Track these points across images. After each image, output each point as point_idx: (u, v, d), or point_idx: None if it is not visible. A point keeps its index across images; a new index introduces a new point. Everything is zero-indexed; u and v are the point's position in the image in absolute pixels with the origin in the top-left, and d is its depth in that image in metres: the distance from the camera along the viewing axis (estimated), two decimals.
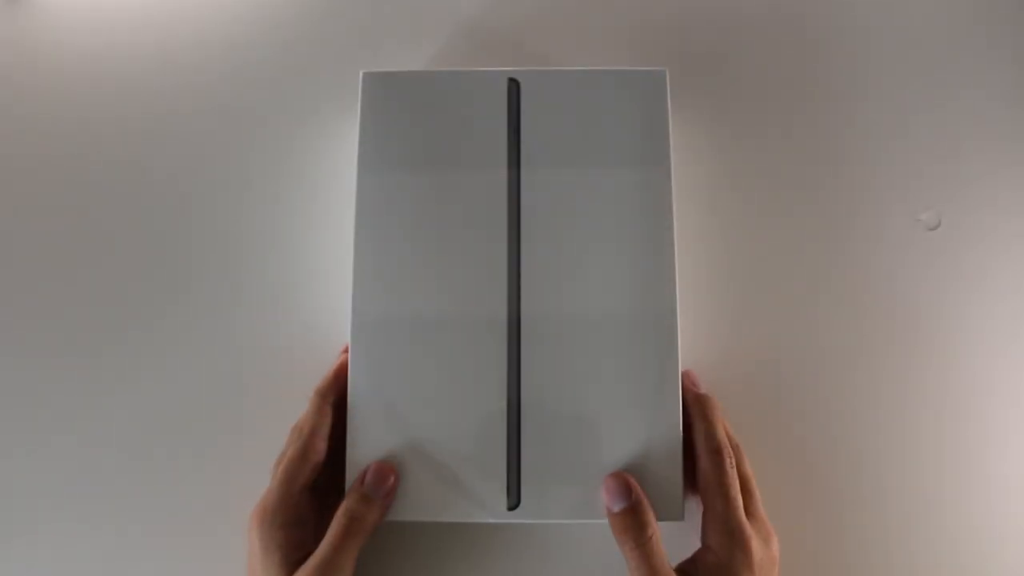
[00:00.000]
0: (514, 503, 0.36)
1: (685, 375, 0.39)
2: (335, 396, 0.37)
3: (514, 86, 0.40)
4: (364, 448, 0.37)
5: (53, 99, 0.46)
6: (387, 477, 0.36)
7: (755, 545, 0.34)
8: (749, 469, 0.38)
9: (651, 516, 0.35)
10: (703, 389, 0.39)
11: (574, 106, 0.39)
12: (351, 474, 0.36)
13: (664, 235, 0.38)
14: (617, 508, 0.35)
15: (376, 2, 0.47)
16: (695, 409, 0.37)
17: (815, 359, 0.43)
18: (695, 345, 0.42)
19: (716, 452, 0.36)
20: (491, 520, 0.36)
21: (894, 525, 0.40)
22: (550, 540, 0.41)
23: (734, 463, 0.36)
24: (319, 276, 0.43)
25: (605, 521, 0.36)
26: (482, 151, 0.39)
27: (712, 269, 0.43)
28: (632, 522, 0.34)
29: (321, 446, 0.36)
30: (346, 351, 0.38)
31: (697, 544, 0.36)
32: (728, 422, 0.39)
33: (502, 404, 0.37)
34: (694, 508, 0.37)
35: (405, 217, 0.38)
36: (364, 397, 0.37)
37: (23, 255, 0.44)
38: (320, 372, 0.38)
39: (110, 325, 0.43)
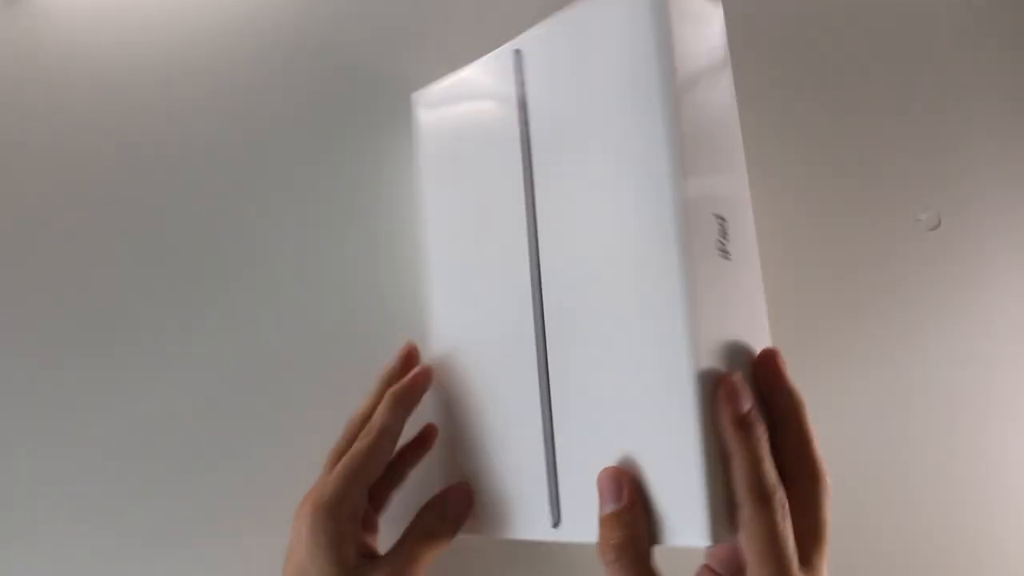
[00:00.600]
0: (556, 520, 0.35)
1: (757, 368, 0.31)
2: (413, 402, 0.36)
3: (518, 58, 0.36)
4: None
5: (53, 99, 0.46)
6: (467, 499, 0.36)
7: None
8: (828, 513, 0.30)
9: (642, 528, 0.29)
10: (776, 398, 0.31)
11: (571, 59, 0.34)
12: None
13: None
14: (603, 511, 0.30)
15: (398, 4, 0.47)
16: (731, 435, 0.28)
17: (815, 359, 0.43)
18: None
19: (762, 499, 0.27)
20: (538, 538, 0.35)
21: (894, 525, 0.40)
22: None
23: (787, 511, 0.28)
24: (327, 280, 0.43)
25: None
26: (499, 149, 0.36)
27: None
28: (613, 531, 0.29)
29: (391, 447, 0.35)
30: (413, 355, 0.38)
31: None
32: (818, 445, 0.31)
33: (537, 419, 0.35)
34: None
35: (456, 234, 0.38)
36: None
37: (23, 255, 0.44)
38: (328, 374, 0.38)
39: (120, 325, 0.43)
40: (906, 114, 0.45)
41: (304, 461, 0.41)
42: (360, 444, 0.34)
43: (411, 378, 0.36)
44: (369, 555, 0.34)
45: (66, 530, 0.40)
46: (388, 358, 0.38)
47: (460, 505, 0.36)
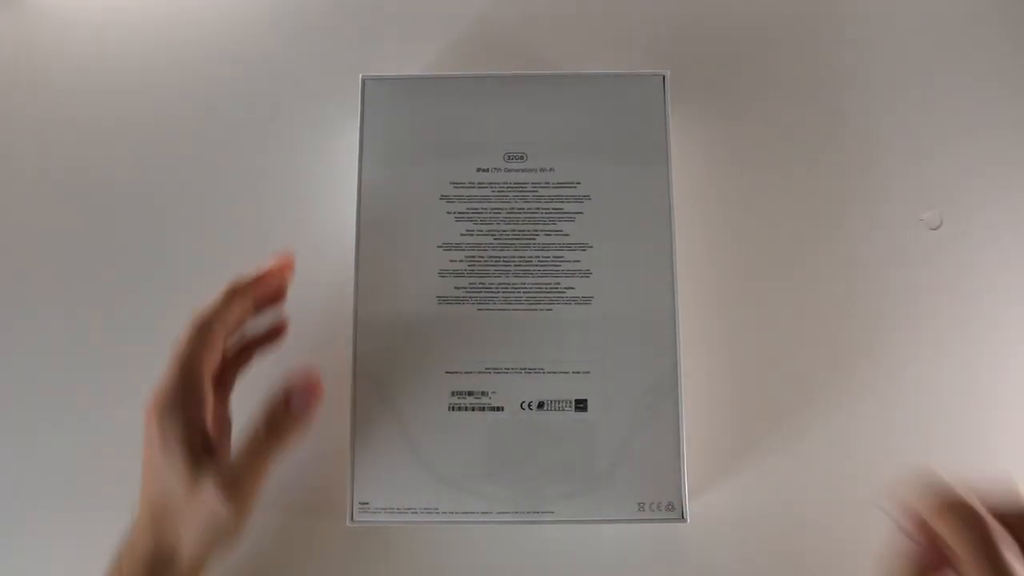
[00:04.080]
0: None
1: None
2: (250, 300, 0.36)
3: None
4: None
5: (53, 99, 0.47)
6: (312, 394, 0.35)
7: None
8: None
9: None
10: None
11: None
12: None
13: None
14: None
15: (378, 2, 0.47)
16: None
17: (815, 359, 0.43)
18: (695, 345, 0.42)
19: None
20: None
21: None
22: (547, 539, 0.41)
23: None
24: (318, 274, 0.43)
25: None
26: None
27: (712, 269, 0.43)
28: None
29: (220, 339, 0.35)
30: (281, 260, 0.37)
31: None
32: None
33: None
34: (693, 510, 0.37)
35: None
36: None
37: (23, 255, 0.45)
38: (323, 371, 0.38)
39: (110, 325, 0.44)
40: (908, 113, 0.45)
41: (303, 457, 0.42)
42: (188, 334, 0.34)
43: (258, 277, 0.36)
44: (214, 448, 0.34)
45: (68, 530, 0.40)
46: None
47: (307, 400, 0.35)
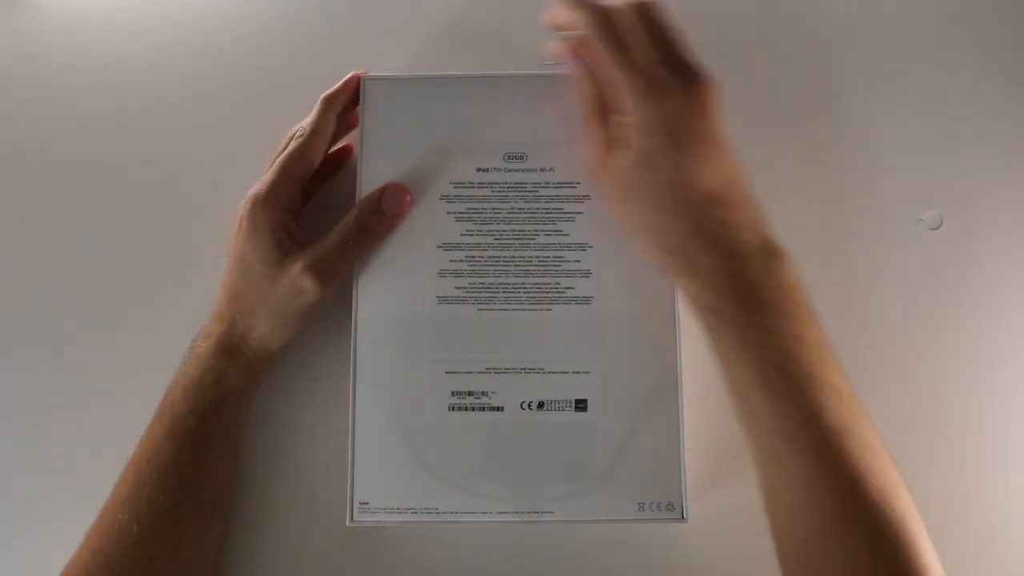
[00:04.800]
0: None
1: None
2: (341, 105, 0.40)
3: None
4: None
5: (53, 98, 0.47)
6: (403, 196, 0.38)
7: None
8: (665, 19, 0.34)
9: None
10: None
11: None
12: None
13: None
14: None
15: (378, 2, 0.47)
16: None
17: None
18: (695, 344, 0.41)
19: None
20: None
21: None
22: (548, 540, 0.41)
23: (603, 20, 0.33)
24: None
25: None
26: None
27: None
28: None
29: (322, 146, 0.39)
30: (350, 77, 0.40)
31: None
32: None
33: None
34: (693, 510, 0.37)
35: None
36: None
37: (22, 253, 0.45)
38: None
39: (119, 322, 0.44)
40: (908, 113, 0.45)
41: (303, 457, 0.42)
42: (294, 144, 0.39)
43: (342, 83, 0.40)
44: (300, 241, 0.38)
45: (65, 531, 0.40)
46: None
47: (397, 200, 0.38)
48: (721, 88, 0.33)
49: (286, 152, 0.38)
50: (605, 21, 0.33)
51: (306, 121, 0.39)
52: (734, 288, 0.33)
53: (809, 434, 0.32)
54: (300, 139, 0.39)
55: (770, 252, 0.33)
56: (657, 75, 0.32)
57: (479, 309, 0.38)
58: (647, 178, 0.33)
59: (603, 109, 0.35)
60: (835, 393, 0.32)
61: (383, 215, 0.38)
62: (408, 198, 0.38)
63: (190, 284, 0.44)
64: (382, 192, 0.38)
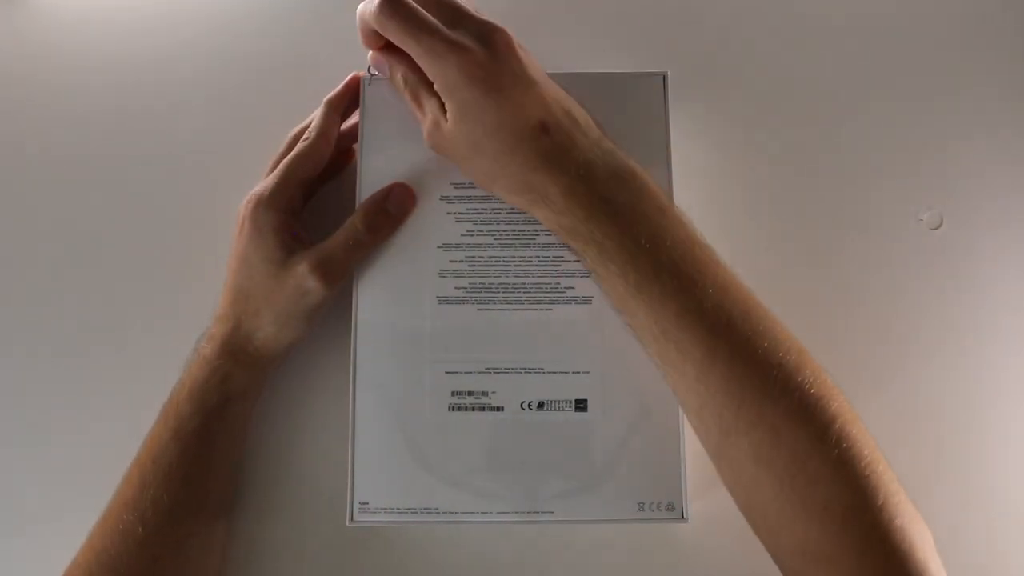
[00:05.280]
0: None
1: None
2: (343, 107, 0.40)
3: None
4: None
5: (53, 98, 0.47)
6: (409, 197, 0.39)
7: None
8: None
9: None
10: None
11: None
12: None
13: None
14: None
15: None
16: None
17: (815, 358, 0.42)
18: None
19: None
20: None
21: None
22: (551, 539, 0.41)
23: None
24: None
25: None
26: None
27: None
28: None
29: (328, 149, 0.39)
30: (350, 79, 0.41)
31: None
32: None
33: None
34: (693, 510, 0.37)
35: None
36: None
37: (24, 254, 0.45)
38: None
39: (120, 321, 0.44)
40: (908, 112, 0.45)
41: (303, 457, 0.42)
42: (301, 146, 0.39)
43: (343, 85, 0.40)
44: (303, 242, 0.38)
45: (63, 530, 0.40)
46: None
47: (403, 201, 0.38)
48: (511, 34, 0.35)
49: (292, 154, 0.39)
50: (394, 12, 0.34)
51: (312, 124, 0.40)
52: (586, 207, 0.34)
53: (689, 331, 0.32)
54: (306, 142, 0.39)
55: (615, 167, 0.35)
56: (451, 38, 0.34)
57: (479, 309, 0.38)
58: (471, 128, 0.35)
59: (421, 90, 0.37)
60: (715, 286, 0.33)
61: (389, 215, 0.38)
62: (413, 199, 0.39)
63: (191, 284, 0.44)
64: (388, 193, 0.38)
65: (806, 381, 0.32)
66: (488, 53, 0.34)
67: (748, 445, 0.31)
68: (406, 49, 0.35)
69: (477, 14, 0.35)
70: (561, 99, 0.36)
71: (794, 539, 0.31)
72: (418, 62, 0.35)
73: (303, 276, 0.36)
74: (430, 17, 0.34)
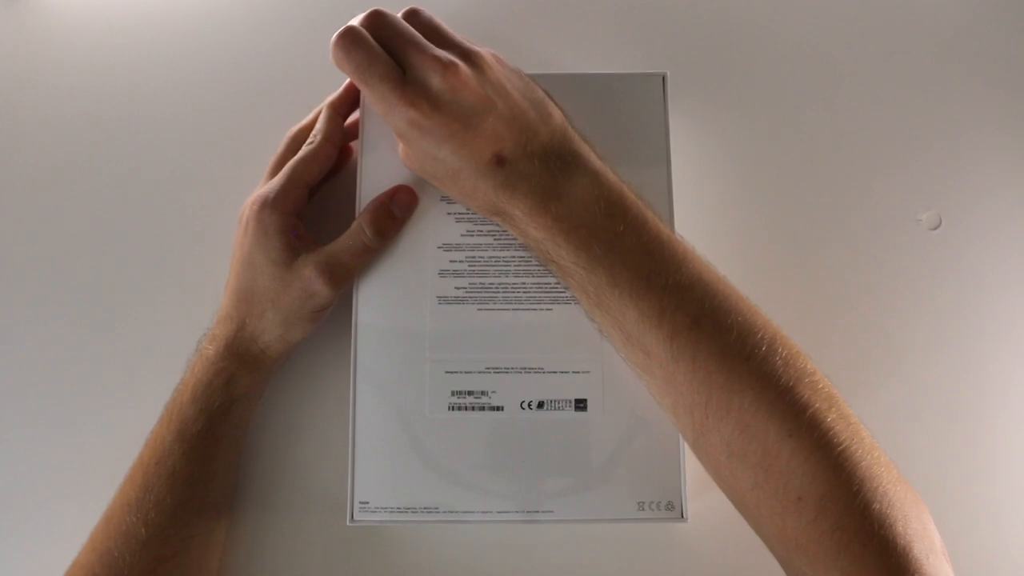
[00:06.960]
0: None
1: None
2: (346, 110, 0.40)
3: None
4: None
5: (53, 98, 0.47)
6: (413, 199, 0.39)
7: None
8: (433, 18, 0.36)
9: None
10: None
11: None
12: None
13: None
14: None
15: (379, 3, 0.47)
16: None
17: (814, 358, 0.42)
18: None
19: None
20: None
21: None
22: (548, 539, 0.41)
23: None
24: None
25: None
26: None
27: None
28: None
29: (333, 152, 0.39)
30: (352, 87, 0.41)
31: None
32: None
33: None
34: (693, 510, 0.37)
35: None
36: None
37: (24, 254, 0.45)
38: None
39: (112, 325, 0.44)
40: (907, 113, 0.45)
41: (303, 457, 0.42)
42: (306, 149, 0.39)
43: (344, 87, 0.41)
44: (307, 243, 0.38)
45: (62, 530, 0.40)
46: None
47: (408, 203, 0.39)
48: (469, 54, 0.35)
49: (298, 157, 0.39)
50: (347, 55, 0.35)
51: (316, 127, 0.40)
52: (544, 227, 0.35)
53: (651, 335, 0.33)
54: (311, 145, 0.39)
55: (574, 177, 0.35)
56: (399, 86, 0.34)
57: (479, 309, 0.38)
58: (432, 169, 0.36)
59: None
60: (675, 287, 0.33)
61: (395, 219, 0.38)
62: (416, 200, 0.39)
63: (191, 284, 0.44)
64: (392, 195, 0.38)
65: (776, 372, 0.32)
66: (436, 100, 0.34)
67: (720, 441, 0.32)
68: (361, 90, 0.36)
69: (429, 49, 0.34)
70: (518, 114, 0.35)
71: (774, 529, 0.31)
72: (373, 107, 0.36)
73: (309, 279, 0.36)
74: (381, 61, 0.34)
